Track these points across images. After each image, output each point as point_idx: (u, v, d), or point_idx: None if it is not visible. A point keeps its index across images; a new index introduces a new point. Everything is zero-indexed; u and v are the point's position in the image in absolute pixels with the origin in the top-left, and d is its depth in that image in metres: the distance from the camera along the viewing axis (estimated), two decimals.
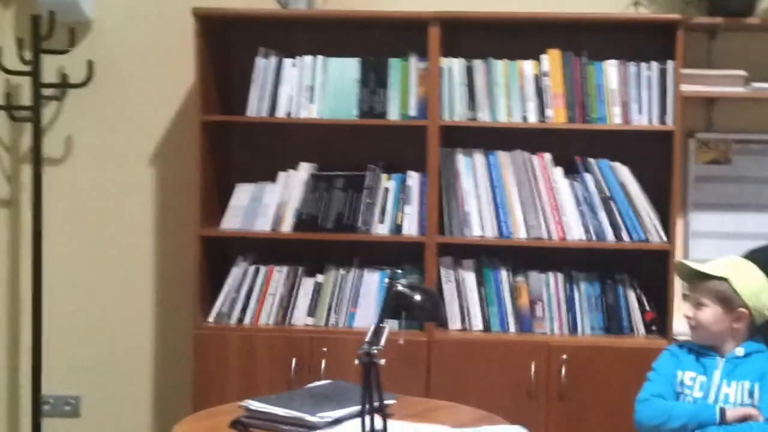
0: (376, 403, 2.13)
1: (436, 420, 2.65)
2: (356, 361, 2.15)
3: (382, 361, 2.15)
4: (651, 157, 3.91)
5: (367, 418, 2.12)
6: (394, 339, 2.33)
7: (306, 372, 3.72)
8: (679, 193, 3.77)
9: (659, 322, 3.81)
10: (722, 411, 2.59)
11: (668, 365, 2.78)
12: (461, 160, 3.87)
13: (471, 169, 3.86)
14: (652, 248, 3.76)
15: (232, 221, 3.94)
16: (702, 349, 2.73)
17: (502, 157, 3.86)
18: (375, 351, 2.12)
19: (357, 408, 2.31)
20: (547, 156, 3.85)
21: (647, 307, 3.83)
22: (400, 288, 2.37)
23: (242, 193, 3.96)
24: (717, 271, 2.70)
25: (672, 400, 2.70)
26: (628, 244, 3.78)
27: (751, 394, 2.63)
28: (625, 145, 3.90)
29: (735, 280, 2.67)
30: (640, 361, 3.61)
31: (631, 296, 3.83)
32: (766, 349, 2.71)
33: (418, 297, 2.39)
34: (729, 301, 2.67)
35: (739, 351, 2.68)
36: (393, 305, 2.37)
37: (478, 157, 3.87)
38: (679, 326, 3.68)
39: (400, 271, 3.59)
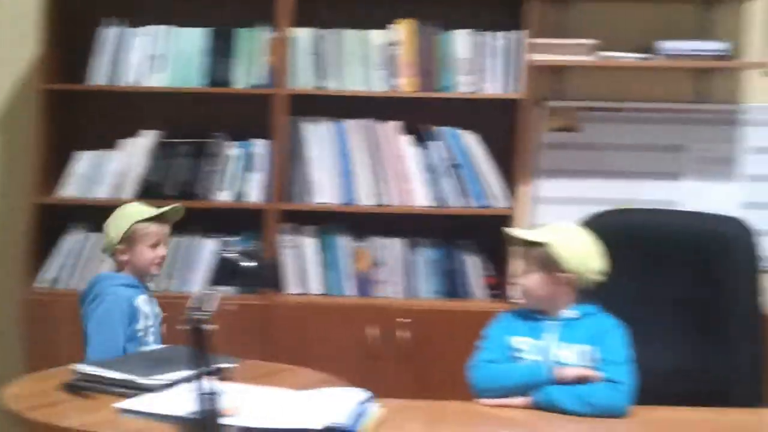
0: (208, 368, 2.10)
1: (276, 383, 2.63)
2: (182, 327, 2.12)
3: (211, 326, 2.12)
4: (501, 125, 3.93)
5: (200, 382, 2.10)
6: (226, 304, 2.29)
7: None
8: (525, 160, 3.81)
9: (501, 286, 3.86)
10: (555, 369, 2.60)
11: (499, 332, 2.79)
12: (308, 129, 3.84)
13: (318, 137, 3.85)
14: (493, 213, 3.79)
15: (69, 189, 3.87)
16: (534, 313, 2.75)
17: (350, 125, 3.85)
18: (201, 316, 2.08)
19: (192, 372, 2.27)
20: (395, 124, 3.86)
21: (489, 272, 3.87)
22: (231, 255, 2.33)
23: (81, 161, 3.89)
24: (539, 237, 2.72)
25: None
26: (469, 209, 3.81)
27: (591, 358, 2.64)
28: (476, 113, 3.92)
29: (556, 245, 2.68)
30: (481, 324, 3.62)
31: (473, 261, 3.87)
32: (598, 311, 2.72)
33: (250, 264, 2.35)
34: (550, 266, 2.69)
35: (572, 313, 2.70)
36: (225, 272, 2.33)
37: (326, 126, 3.85)
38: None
39: (236, 238, 3.57)
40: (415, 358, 3.72)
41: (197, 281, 3.82)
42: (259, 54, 3.82)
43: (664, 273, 2.91)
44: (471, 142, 3.83)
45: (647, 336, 2.77)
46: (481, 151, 3.83)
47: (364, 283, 3.85)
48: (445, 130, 3.85)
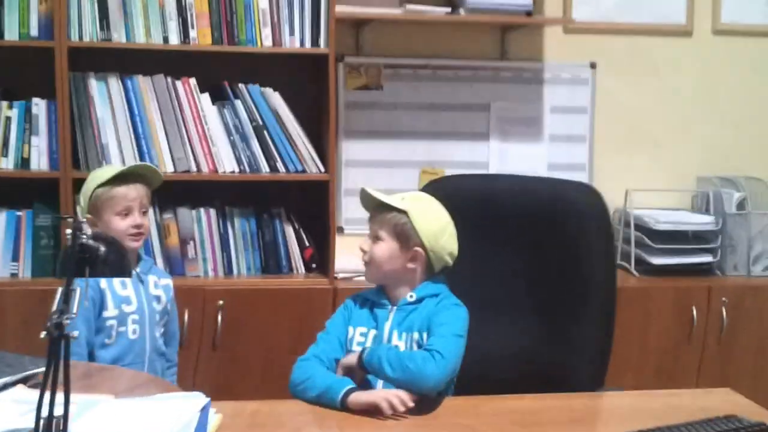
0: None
1: (98, 388, 2.23)
2: (43, 335, 1.68)
3: (76, 333, 1.68)
4: (304, 82, 3.67)
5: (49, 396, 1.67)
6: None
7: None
8: (333, 121, 3.54)
9: (319, 259, 3.61)
10: (348, 393, 2.25)
11: (340, 322, 2.52)
12: (94, 86, 3.40)
13: (106, 96, 3.41)
14: (310, 179, 3.51)
15: None
16: (376, 298, 2.50)
17: (142, 82, 3.44)
18: (67, 321, 1.65)
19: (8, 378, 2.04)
20: (193, 81, 3.48)
21: (306, 243, 3.60)
22: (84, 239, 1.90)
23: None
24: (399, 203, 2.47)
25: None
26: (284, 176, 3.50)
27: (420, 346, 2.41)
28: (276, 69, 3.62)
29: (414, 215, 2.44)
30: (300, 303, 3.43)
31: (289, 232, 3.59)
32: (443, 292, 2.48)
33: (102, 249, 1.94)
34: (406, 237, 2.44)
35: (411, 296, 2.46)
36: (78, 262, 1.91)
37: (114, 82, 3.42)
38: (343, 263, 3.50)
39: (78, 217, 3.08)
40: (230, 343, 3.41)
41: None
42: (31, 1, 3.32)
43: (510, 246, 2.64)
44: (276, 100, 3.52)
45: (491, 314, 2.59)
46: (287, 111, 3.53)
47: (175, 261, 3.48)
48: (247, 88, 3.52)
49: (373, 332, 2.45)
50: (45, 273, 3.37)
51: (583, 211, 2.54)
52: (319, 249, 3.60)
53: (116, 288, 2.72)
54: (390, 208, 2.46)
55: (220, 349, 3.39)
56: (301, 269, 3.59)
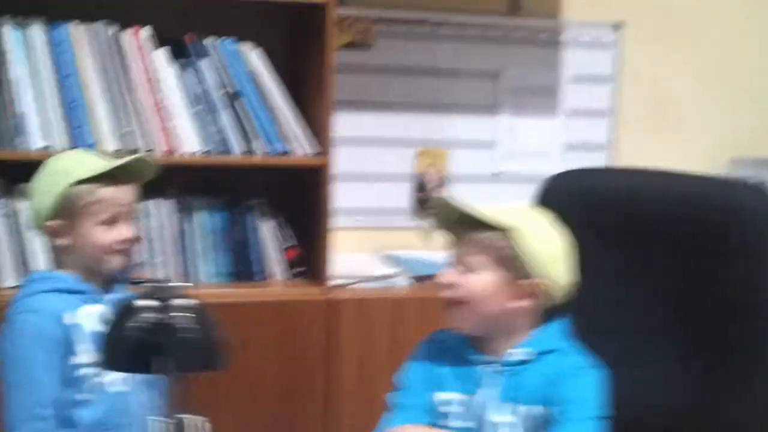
0: None
1: None
2: None
3: None
4: (279, 35, 2.85)
5: None
6: None
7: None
8: (325, 86, 2.73)
9: (307, 260, 2.82)
10: None
11: (419, 381, 1.77)
12: (10, 36, 2.51)
13: (25, 49, 2.53)
14: (301, 164, 2.71)
15: None
16: (464, 349, 1.75)
17: (75, 30, 2.57)
18: None
19: None
20: (144, 32, 2.63)
21: (290, 243, 2.81)
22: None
23: None
24: (504, 218, 1.71)
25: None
26: (265, 159, 2.68)
27: (543, 424, 1.70)
28: (249, 19, 2.79)
29: (525, 234, 1.69)
30: (282, 318, 2.66)
31: (267, 228, 2.79)
32: (564, 345, 1.77)
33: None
34: (514, 266, 1.69)
35: (519, 352, 1.73)
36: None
37: (37, 31, 2.54)
38: (341, 266, 2.75)
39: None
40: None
41: None
42: None
43: (654, 267, 1.88)
44: (254, 61, 2.70)
45: (624, 359, 1.84)
46: (269, 75, 2.71)
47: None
48: (217, 43, 2.69)
49: (465, 397, 1.73)
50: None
51: (751, 219, 1.80)
52: (309, 249, 2.82)
53: (84, 321, 1.92)
54: (484, 226, 1.71)
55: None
56: (283, 274, 2.80)
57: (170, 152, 2.61)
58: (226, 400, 2.58)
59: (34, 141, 2.49)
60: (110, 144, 2.54)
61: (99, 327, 1.89)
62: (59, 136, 2.50)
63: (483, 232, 1.72)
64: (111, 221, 1.95)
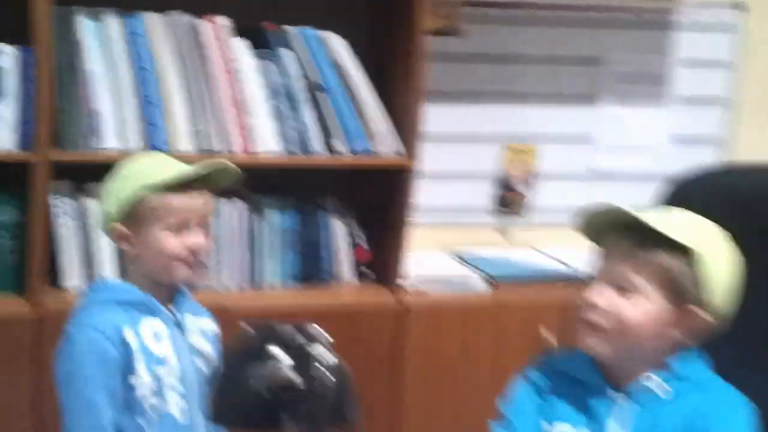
0: None
1: None
2: None
3: None
4: (359, 22, 2.66)
5: None
6: None
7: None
8: (414, 78, 2.55)
9: (379, 262, 2.67)
10: None
11: (527, 410, 1.61)
12: (84, 26, 2.38)
13: (101, 42, 2.40)
14: (386, 165, 2.55)
15: None
16: (586, 376, 1.57)
17: (151, 21, 2.43)
18: None
19: None
20: (223, 21, 2.48)
21: (361, 244, 2.66)
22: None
23: None
24: (683, 236, 1.51)
25: None
26: (348, 160, 2.52)
27: None
28: (327, 4, 2.62)
29: (708, 259, 1.48)
30: (349, 322, 2.49)
31: (339, 228, 2.63)
32: (708, 377, 1.57)
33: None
34: (680, 291, 1.50)
35: (657, 383, 1.53)
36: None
37: (112, 22, 2.41)
38: (415, 266, 2.61)
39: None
40: None
41: None
42: None
43: None
44: (339, 50, 2.54)
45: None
46: (356, 67, 2.55)
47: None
48: (300, 32, 2.53)
49: (580, 430, 1.55)
50: (2, 287, 2.39)
51: None
52: (380, 253, 2.67)
53: (144, 337, 1.81)
54: (653, 241, 1.50)
55: None
56: (350, 275, 2.66)
57: (247, 152, 2.46)
58: None
59: (108, 141, 2.36)
60: (185, 144, 2.41)
61: (156, 346, 1.82)
62: (133, 136, 2.37)
63: (654, 250, 1.49)
64: (179, 227, 1.83)
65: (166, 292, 1.88)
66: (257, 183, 2.57)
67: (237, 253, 2.55)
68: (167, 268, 1.84)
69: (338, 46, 2.54)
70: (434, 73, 2.81)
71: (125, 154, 2.29)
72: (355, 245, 2.66)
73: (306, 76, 2.51)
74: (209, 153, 2.41)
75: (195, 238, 1.84)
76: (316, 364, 1.25)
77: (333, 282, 2.64)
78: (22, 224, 2.37)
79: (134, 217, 1.83)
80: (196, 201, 1.85)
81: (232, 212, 2.53)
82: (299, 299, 2.55)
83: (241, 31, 2.50)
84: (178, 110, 2.42)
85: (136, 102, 2.39)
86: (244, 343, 1.35)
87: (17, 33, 2.31)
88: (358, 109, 2.53)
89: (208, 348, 1.91)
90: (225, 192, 2.45)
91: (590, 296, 1.53)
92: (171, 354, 1.84)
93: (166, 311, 1.86)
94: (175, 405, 1.83)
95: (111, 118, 2.37)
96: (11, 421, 2.24)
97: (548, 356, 1.68)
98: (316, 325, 1.33)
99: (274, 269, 2.60)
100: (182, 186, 1.83)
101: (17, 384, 2.28)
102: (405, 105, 2.54)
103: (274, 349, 1.25)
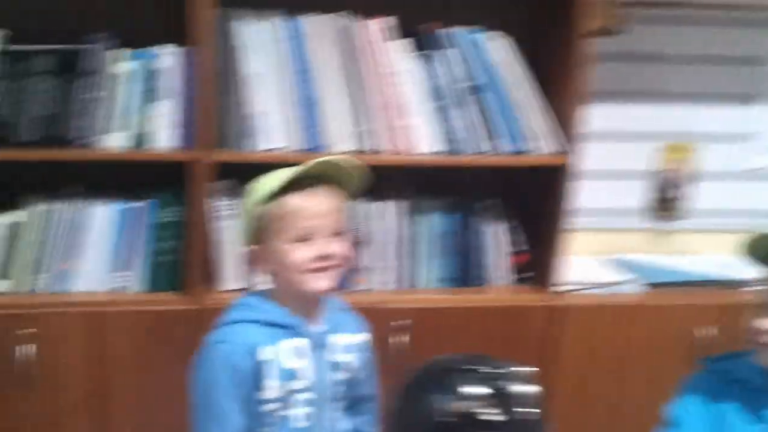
0: None
1: None
2: None
3: None
4: (518, 22, 2.60)
5: None
6: None
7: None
8: (582, 79, 2.49)
9: (536, 265, 2.63)
10: None
11: (697, 415, 1.56)
12: (246, 29, 2.39)
13: (262, 44, 2.40)
14: (545, 163, 2.49)
15: None
16: (761, 379, 1.51)
17: (312, 23, 2.43)
18: None
19: None
20: (385, 22, 2.46)
21: (519, 247, 2.63)
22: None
23: None
24: None
25: None
26: (503, 159, 2.48)
27: None
28: (484, 4, 2.58)
29: None
30: (500, 325, 2.52)
31: (497, 231, 2.60)
32: None
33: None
34: None
35: None
36: None
37: (275, 24, 2.41)
38: (570, 270, 2.58)
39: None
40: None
41: (86, 273, 2.40)
42: None
43: None
44: (501, 51, 2.50)
45: None
46: (517, 66, 2.51)
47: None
48: (459, 33, 2.50)
49: None
50: (164, 286, 2.43)
51: None
52: (539, 255, 2.62)
53: (280, 357, 1.78)
54: None
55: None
56: (506, 279, 2.63)
57: (407, 152, 2.44)
58: None
59: (263, 142, 2.36)
60: (344, 144, 2.39)
61: (293, 362, 1.79)
62: (288, 137, 2.37)
63: None
64: (305, 237, 1.75)
65: (313, 303, 1.83)
66: (415, 184, 2.57)
67: (391, 256, 2.54)
68: (301, 282, 1.77)
69: (500, 45, 2.50)
70: (601, 72, 2.76)
71: (286, 154, 2.32)
72: (513, 248, 2.62)
73: (467, 77, 2.48)
74: (373, 152, 2.40)
75: (323, 246, 1.76)
76: (522, 409, 1.21)
77: (487, 285, 2.61)
78: (184, 224, 2.40)
79: (259, 236, 1.78)
80: (315, 203, 1.76)
81: (388, 215, 2.51)
82: (450, 302, 2.53)
83: (404, 32, 2.48)
84: (338, 111, 2.41)
85: (296, 102, 2.39)
86: (429, 373, 1.31)
87: (177, 34, 2.33)
88: (517, 110, 2.48)
89: (351, 358, 1.88)
90: (380, 195, 2.46)
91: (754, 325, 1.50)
92: (307, 368, 1.80)
93: (310, 329, 1.82)
94: (300, 414, 1.80)
95: (272, 119, 2.38)
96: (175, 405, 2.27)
97: (713, 361, 1.63)
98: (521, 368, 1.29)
99: (429, 273, 2.58)
100: (298, 187, 1.75)
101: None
102: (562, 105, 2.49)
103: (471, 390, 1.22)
